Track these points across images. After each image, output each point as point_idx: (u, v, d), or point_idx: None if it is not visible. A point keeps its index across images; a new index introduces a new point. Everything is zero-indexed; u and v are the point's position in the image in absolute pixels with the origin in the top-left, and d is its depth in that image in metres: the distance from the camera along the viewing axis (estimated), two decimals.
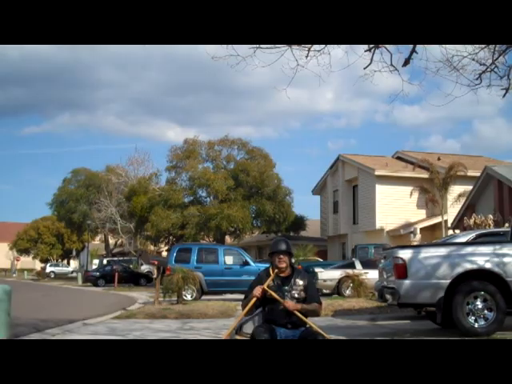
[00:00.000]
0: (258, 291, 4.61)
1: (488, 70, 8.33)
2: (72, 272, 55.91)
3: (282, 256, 4.67)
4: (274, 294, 4.62)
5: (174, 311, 12.54)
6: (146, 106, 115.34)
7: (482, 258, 7.95)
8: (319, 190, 35.40)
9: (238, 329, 4.58)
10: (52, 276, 52.70)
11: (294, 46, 7.53)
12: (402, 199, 27.30)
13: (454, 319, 7.77)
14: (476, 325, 7.71)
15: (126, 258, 42.63)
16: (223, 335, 4.58)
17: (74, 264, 66.78)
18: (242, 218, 29.73)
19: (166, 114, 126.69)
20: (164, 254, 40.28)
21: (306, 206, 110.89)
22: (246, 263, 17.72)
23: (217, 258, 17.88)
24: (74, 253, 63.19)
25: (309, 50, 7.68)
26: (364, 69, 8.09)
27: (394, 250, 8.73)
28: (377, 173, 27.69)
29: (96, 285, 33.11)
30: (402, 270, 7.99)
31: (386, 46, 7.74)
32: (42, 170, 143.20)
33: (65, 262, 66.30)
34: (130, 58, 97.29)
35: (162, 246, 39.99)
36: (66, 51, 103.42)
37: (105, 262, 41.79)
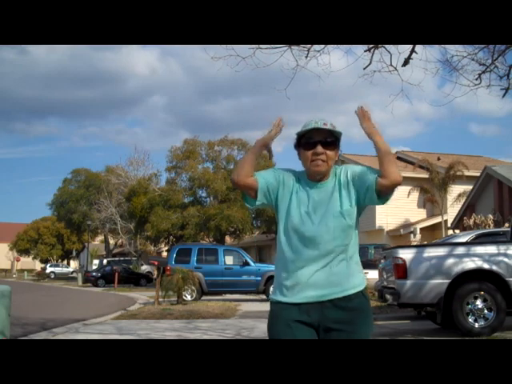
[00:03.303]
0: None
1: (488, 70, 8.33)
2: (72, 272, 55.90)
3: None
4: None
5: (174, 312, 12.55)
6: None
7: (482, 257, 7.95)
8: None
9: None
10: (52, 276, 52.69)
11: (294, 47, 7.53)
12: (401, 199, 27.27)
13: (453, 319, 7.77)
14: (476, 325, 7.71)
15: (126, 259, 42.63)
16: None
17: (74, 264, 66.76)
18: (242, 219, 29.71)
19: None
20: (164, 254, 40.28)
21: None
22: (246, 263, 17.73)
23: (217, 259, 17.88)
24: (74, 253, 63.18)
25: (308, 51, 7.69)
26: (364, 69, 8.10)
27: (393, 250, 8.74)
28: None
29: (96, 285, 33.11)
30: (401, 270, 7.99)
31: (386, 46, 7.74)
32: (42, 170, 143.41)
33: (65, 262, 66.28)
34: None
35: (162, 246, 39.97)
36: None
37: (105, 262, 41.79)
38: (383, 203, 2.42)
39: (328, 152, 2.40)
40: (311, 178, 2.45)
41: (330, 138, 2.41)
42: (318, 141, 2.40)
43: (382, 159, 2.45)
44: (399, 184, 2.38)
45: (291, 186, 2.46)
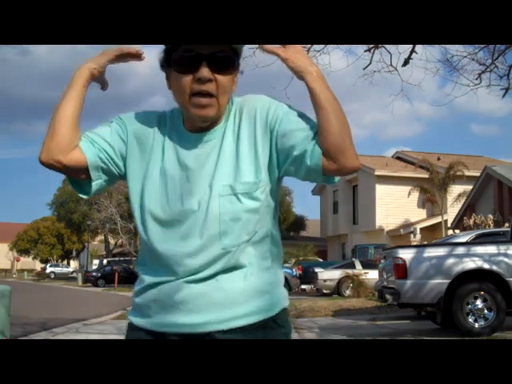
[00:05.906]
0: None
1: (488, 69, 8.34)
2: (72, 272, 55.92)
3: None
4: None
5: None
6: None
7: (482, 257, 7.96)
8: (319, 190, 35.41)
9: None
10: (52, 276, 52.70)
11: None
12: (401, 199, 27.31)
13: (454, 319, 7.78)
14: (476, 325, 7.71)
15: (126, 259, 42.62)
16: None
17: (74, 264, 66.81)
18: None
19: None
20: None
21: (306, 206, 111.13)
22: None
23: None
24: (74, 253, 63.24)
25: (308, 51, 7.69)
26: (364, 69, 8.11)
27: (393, 250, 8.74)
28: (377, 173, 27.70)
29: (96, 285, 33.13)
30: (402, 270, 8.00)
31: (386, 46, 7.75)
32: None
33: (65, 262, 66.33)
34: None
35: None
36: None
37: (105, 262, 41.80)
38: (328, 184, 1.45)
39: (220, 77, 1.38)
40: (189, 125, 1.41)
41: (223, 52, 1.44)
42: (201, 56, 1.40)
43: (323, 118, 1.32)
44: (355, 171, 1.38)
45: (151, 142, 1.43)
